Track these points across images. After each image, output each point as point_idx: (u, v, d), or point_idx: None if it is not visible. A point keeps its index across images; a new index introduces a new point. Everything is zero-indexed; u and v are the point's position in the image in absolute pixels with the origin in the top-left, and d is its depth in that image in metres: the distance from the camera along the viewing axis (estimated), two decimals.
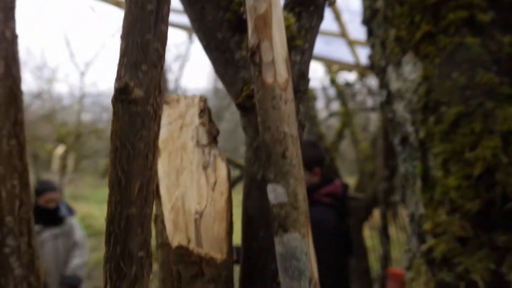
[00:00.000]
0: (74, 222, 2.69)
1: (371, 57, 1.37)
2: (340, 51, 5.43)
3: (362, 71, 5.60)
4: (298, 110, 0.74)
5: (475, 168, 0.95)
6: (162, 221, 0.52)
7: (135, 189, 0.41)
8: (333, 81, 6.96)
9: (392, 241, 3.55)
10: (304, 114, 0.81)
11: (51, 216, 2.54)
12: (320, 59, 5.58)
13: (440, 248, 0.99)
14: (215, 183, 0.61)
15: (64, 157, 8.37)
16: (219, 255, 0.52)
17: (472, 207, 0.95)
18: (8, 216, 0.45)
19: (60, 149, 8.24)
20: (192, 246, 0.51)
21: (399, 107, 1.16)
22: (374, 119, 7.28)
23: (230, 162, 4.27)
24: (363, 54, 5.40)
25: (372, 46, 1.35)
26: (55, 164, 8.15)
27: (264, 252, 0.61)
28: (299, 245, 0.47)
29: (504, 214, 0.92)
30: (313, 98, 6.57)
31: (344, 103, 6.71)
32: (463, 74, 1.02)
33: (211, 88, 11.79)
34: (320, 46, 5.48)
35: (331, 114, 7.63)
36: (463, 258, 0.95)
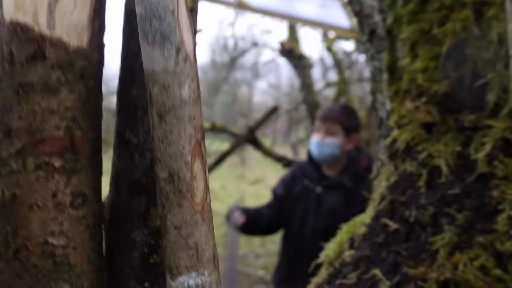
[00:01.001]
0: None
1: None
2: (335, 15, 5.27)
3: (358, 37, 5.44)
4: None
5: (444, 44, 0.85)
6: None
7: None
8: (329, 49, 6.82)
9: None
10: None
11: None
12: (315, 24, 5.44)
13: (403, 137, 0.89)
14: None
15: None
16: (74, 41, 0.42)
17: (439, 88, 0.85)
18: None
19: None
20: (33, 23, 0.41)
21: None
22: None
23: (226, 132, 4.17)
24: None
25: None
26: None
27: None
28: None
29: (473, 93, 0.82)
30: (309, 66, 6.44)
31: (340, 72, 6.58)
32: None
33: (208, 61, 11.63)
34: (315, 9, 5.32)
35: (328, 84, 7.50)
36: (428, 144, 0.85)
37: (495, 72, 0.79)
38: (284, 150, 9.01)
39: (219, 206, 8.69)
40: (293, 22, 5.94)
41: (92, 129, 0.46)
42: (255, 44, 7.89)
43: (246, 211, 2.43)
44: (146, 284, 0.50)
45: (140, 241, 0.50)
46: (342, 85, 6.24)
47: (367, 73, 7.04)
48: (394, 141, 0.92)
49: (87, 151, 0.46)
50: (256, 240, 6.82)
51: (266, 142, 7.12)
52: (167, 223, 0.42)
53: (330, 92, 7.55)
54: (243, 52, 8.53)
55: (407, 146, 0.89)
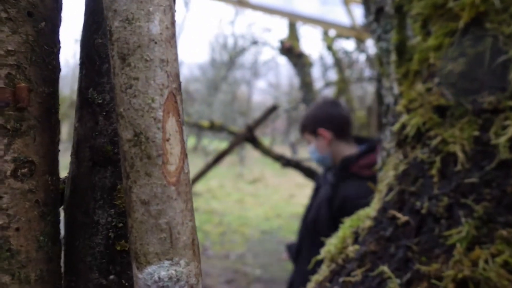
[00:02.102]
0: None
1: None
2: (336, 12, 5.21)
3: (359, 35, 5.38)
4: None
5: (461, 19, 0.76)
6: None
7: None
8: (329, 48, 6.77)
9: None
10: None
11: None
12: (315, 21, 5.38)
13: (413, 122, 0.81)
14: None
15: None
16: None
17: (454, 67, 0.77)
18: None
19: None
20: None
21: None
22: (371, 91, 7.11)
23: (225, 130, 4.15)
24: (359, 16, 5.18)
25: None
26: None
27: None
28: None
29: (493, 71, 0.74)
30: (309, 65, 6.38)
31: (340, 70, 6.52)
32: None
33: (208, 60, 11.53)
34: (316, 6, 5.23)
35: (328, 84, 7.44)
36: (441, 129, 0.77)
37: None
38: (283, 150, 8.94)
39: (218, 205, 8.64)
40: (293, 20, 5.87)
41: (44, 82, 0.37)
42: (255, 42, 7.81)
43: (289, 248, 2.42)
44: (112, 277, 0.41)
45: (105, 223, 0.41)
46: (342, 84, 6.18)
47: (367, 72, 6.97)
48: (403, 126, 0.84)
49: (37, 109, 0.37)
50: (254, 239, 6.75)
51: (265, 141, 7.06)
52: (132, 197, 0.33)
53: (330, 92, 7.49)
54: (243, 50, 8.44)
55: (418, 131, 0.80)
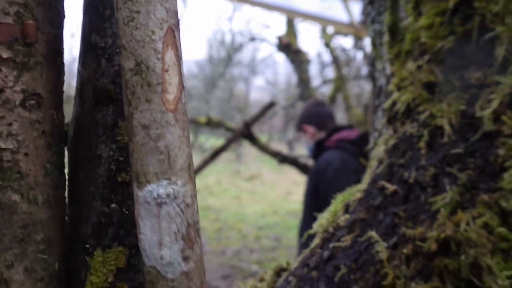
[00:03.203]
0: None
1: None
2: (334, 8, 5.25)
3: (357, 32, 5.41)
4: None
5: None
6: None
7: None
8: (327, 45, 6.79)
9: None
10: None
11: None
12: (314, 18, 5.40)
13: (404, 98, 0.84)
14: None
15: None
16: None
17: (444, 45, 0.80)
18: None
19: None
20: None
21: None
22: (368, 89, 7.14)
23: (222, 126, 4.24)
24: (358, 12, 5.21)
25: None
26: None
27: None
28: None
29: (480, 48, 0.77)
30: (307, 61, 6.40)
31: (338, 68, 6.54)
32: None
33: (205, 57, 11.54)
34: (315, 2, 5.28)
35: (325, 81, 7.47)
36: (429, 105, 0.80)
37: (505, 26, 0.74)
38: (280, 147, 8.96)
39: (215, 202, 8.65)
40: (292, 16, 5.89)
41: (49, 24, 0.40)
42: (252, 39, 7.83)
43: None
44: (113, 205, 0.44)
45: (107, 156, 0.44)
46: (339, 82, 6.20)
47: (364, 70, 7.01)
48: (394, 103, 0.87)
49: (44, 47, 0.40)
50: (251, 236, 6.78)
51: (262, 138, 7.09)
52: (133, 122, 0.36)
53: (327, 89, 7.51)
54: (241, 46, 8.47)
55: (408, 107, 0.84)
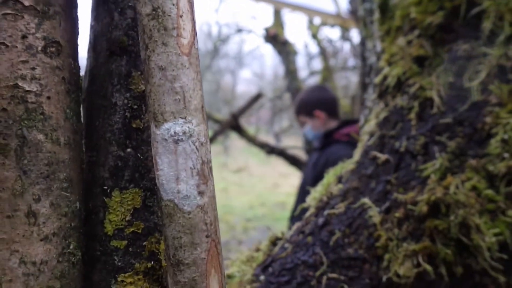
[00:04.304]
0: None
1: None
2: (321, 0, 5.26)
3: (344, 23, 5.44)
4: None
5: None
6: None
7: None
8: (314, 36, 6.82)
9: None
10: None
11: None
12: (300, 9, 5.41)
13: (394, 72, 0.86)
14: None
15: None
16: None
17: (433, 20, 0.83)
18: None
19: None
20: None
21: None
22: (355, 81, 7.20)
23: (210, 118, 4.19)
24: (345, 3, 5.22)
25: None
26: None
27: None
28: None
29: (468, 22, 0.80)
30: (294, 53, 6.41)
31: (325, 59, 6.57)
32: None
33: None
34: None
35: (312, 73, 7.50)
36: (419, 78, 0.83)
37: (491, 0, 0.77)
38: (267, 139, 8.99)
39: None
40: (279, 7, 5.89)
41: None
42: (239, 30, 7.81)
43: None
44: (129, 150, 0.46)
45: (122, 104, 0.46)
46: (326, 73, 6.23)
47: (351, 62, 7.05)
48: (385, 78, 0.89)
49: None
50: (239, 227, 6.81)
51: (250, 130, 7.10)
52: (150, 65, 0.37)
53: (314, 81, 7.54)
54: (228, 37, 8.45)
55: (398, 81, 0.86)
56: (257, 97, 4.81)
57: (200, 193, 0.38)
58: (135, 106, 0.46)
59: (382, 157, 0.79)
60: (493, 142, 0.69)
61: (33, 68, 0.41)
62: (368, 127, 0.92)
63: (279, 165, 8.94)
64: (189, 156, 0.38)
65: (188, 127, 0.38)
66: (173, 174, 0.38)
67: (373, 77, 1.06)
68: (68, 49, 0.44)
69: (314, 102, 2.41)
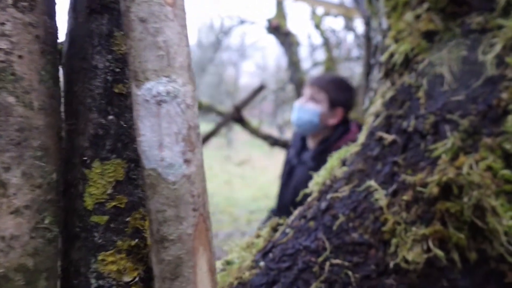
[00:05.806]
0: None
1: None
2: None
3: (347, 13, 5.37)
4: None
5: None
6: None
7: None
8: (317, 26, 6.75)
9: None
10: None
11: None
12: None
13: (402, 49, 0.81)
14: None
15: None
16: None
17: None
18: None
19: None
20: None
21: None
22: (359, 71, 7.13)
23: (212, 111, 4.11)
24: None
25: None
26: None
27: None
28: None
29: None
30: (296, 44, 6.36)
31: (328, 49, 6.51)
32: None
33: (195, 42, 11.41)
34: None
35: (315, 64, 7.45)
36: (429, 54, 0.78)
37: None
38: (271, 131, 8.95)
39: (207, 186, 8.65)
40: None
41: None
42: (242, 22, 7.74)
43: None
44: (110, 117, 0.42)
45: (103, 67, 0.42)
46: (330, 64, 6.17)
47: (355, 52, 6.99)
48: (391, 55, 0.84)
49: None
50: (242, 219, 6.79)
51: (253, 123, 7.06)
52: (130, 16, 0.33)
53: (318, 72, 7.48)
54: (230, 29, 8.38)
55: (406, 58, 0.81)
56: (260, 89, 4.76)
57: (186, 161, 0.34)
58: (118, 69, 0.42)
59: (389, 137, 0.74)
60: (509, 119, 0.64)
61: (3, 24, 0.37)
62: (374, 107, 0.87)
63: (283, 157, 8.91)
64: (173, 120, 0.34)
65: (173, 86, 0.34)
66: (156, 140, 0.34)
67: (378, 56, 1.01)
68: (42, 4, 0.39)
69: (343, 101, 2.16)
